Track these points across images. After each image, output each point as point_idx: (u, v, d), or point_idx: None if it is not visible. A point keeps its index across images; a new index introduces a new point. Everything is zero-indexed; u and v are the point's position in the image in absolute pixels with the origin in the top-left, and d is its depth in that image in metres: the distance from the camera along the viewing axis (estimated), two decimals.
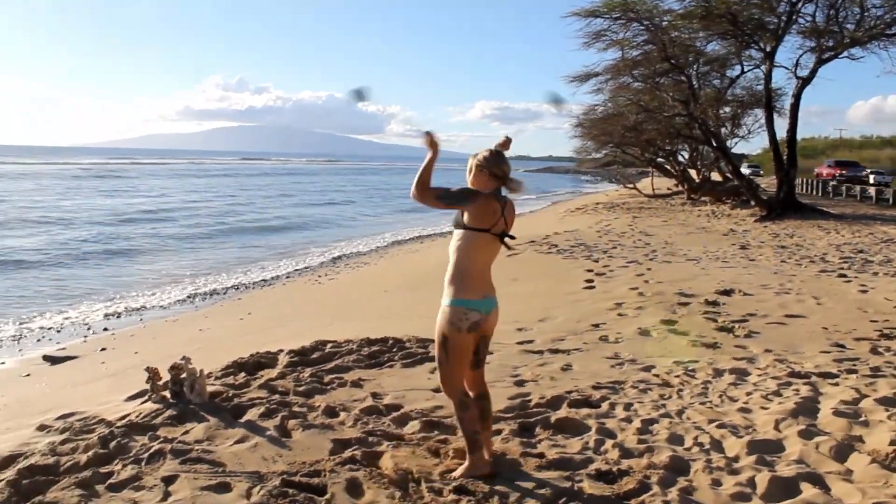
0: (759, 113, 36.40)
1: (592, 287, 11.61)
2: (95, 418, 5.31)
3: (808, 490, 4.01)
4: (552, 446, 4.69)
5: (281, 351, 7.24)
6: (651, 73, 30.99)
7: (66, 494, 3.91)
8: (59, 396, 7.36)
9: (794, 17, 25.86)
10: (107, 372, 8.75)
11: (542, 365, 6.86)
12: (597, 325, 8.72)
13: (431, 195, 4.04)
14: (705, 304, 9.86)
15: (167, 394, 5.53)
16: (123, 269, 20.39)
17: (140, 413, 5.28)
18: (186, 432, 4.87)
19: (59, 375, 9.19)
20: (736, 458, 4.50)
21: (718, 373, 6.51)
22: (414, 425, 5.10)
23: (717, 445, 4.72)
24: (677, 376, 6.40)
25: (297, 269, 20.56)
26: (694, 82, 31.42)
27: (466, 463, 4.17)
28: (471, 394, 4.21)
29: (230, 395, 5.69)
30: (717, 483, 4.14)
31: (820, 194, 42.59)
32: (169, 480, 4.05)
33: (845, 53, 25.85)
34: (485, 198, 4.06)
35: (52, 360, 10.23)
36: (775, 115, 29.51)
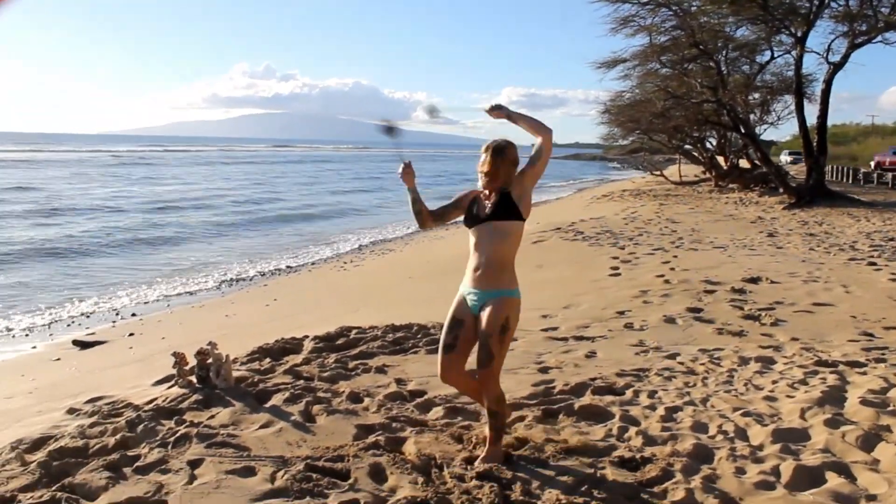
0: (789, 99, 35.84)
1: (618, 274, 11.54)
2: (123, 402, 5.39)
3: (833, 479, 3.97)
4: (575, 433, 4.68)
5: (306, 337, 7.29)
6: (679, 58, 30.65)
7: (94, 476, 3.98)
8: (88, 380, 7.48)
9: (826, 0, 25.42)
10: (134, 357, 8.87)
11: (567, 352, 6.85)
12: (622, 313, 8.68)
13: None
14: (732, 291, 9.77)
15: (193, 378, 5.59)
16: (150, 258, 20.62)
17: (167, 397, 5.36)
18: (212, 417, 4.93)
19: (88, 360, 9.34)
20: (760, 447, 4.46)
21: (744, 361, 6.45)
22: (437, 411, 5.13)
23: (742, 434, 4.69)
24: (702, 364, 6.35)
25: (322, 257, 20.66)
26: (723, 68, 31.02)
27: (490, 448, 4.19)
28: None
29: (255, 380, 5.75)
30: (740, 471, 4.11)
31: (851, 181, 41.95)
32: (195, 464, 4.11)
33: (879, 38, 25.31)
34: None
35: (82, 344, 10.39)
36: (805, 102, 29.05)
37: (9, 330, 11.92)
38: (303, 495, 3.75)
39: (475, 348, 4.15)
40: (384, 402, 5.30)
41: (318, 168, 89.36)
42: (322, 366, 6.26)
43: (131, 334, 10.90)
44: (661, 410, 5.10)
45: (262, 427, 4.71)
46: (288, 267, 18.87)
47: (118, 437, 4.53)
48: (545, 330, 7.81)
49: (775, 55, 30.54)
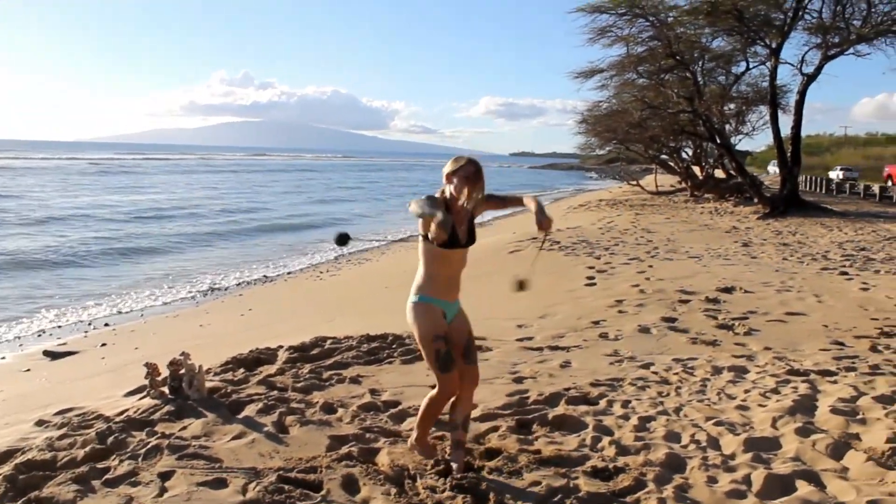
0: (764, 110, 36.24)
1: (593, 284, 11.59)
2: (94, 414, 5.32)
3: (803, 488, 4.01)
4: (549, 443, 4.69)
5: (280, 347, 7.24)
6: (656, 69, 30.97)
7: (62, 490, 3.92)
8: (58, 391, 7.38)
9: (800, 13, 25.79)
10: (106, 367, 8.77)
11: (542, 362, 6.86)
12: (597, 322, 8.71)
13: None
14: (706, 301, 9.85)
15: (166, 389, 5.54)
16: (126, 267, 20.42)
17: (138, 409, 5.30)
18: (184, 428, 4.88)
19: (58, 371, 9.22)
20: (732, 456, 4.49)
21: (717, 370, 6.50)
22: (412, 422, 5.10)
23: (714, 443, 4.72)
24: (676, 374, 6.39)
25: (299, 266, 20.57)
26: (699, 78, 31.38)
27: (464, 454, 4.24)
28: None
29: (229, 390, 5.70)
30: (712, 480, 4.14)
31: (824, 192, 42.45)
32: (165, 476, 4.07)
33: (851, 50, 25.75)
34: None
35: (53, 355, 10.26)
36: (780, 112, 29.46)
37: None
38: None
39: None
40: (358, 412, 5.27)
41: (305, 177, 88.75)
42: (296, 376, 6.22)
43: (104, 344, 10.79)
44: (634, 420, 5.12)
45: (234, 438, 4.67)
46: (264, 276, 18.78)
47: (88, 449, 4.47)
48: (520, 340, 7.83)
49: (750, 66, 31.02)
